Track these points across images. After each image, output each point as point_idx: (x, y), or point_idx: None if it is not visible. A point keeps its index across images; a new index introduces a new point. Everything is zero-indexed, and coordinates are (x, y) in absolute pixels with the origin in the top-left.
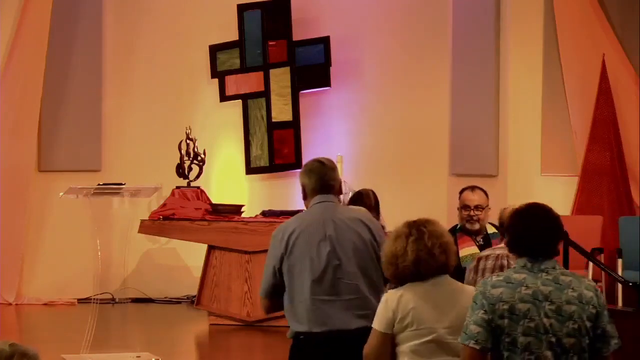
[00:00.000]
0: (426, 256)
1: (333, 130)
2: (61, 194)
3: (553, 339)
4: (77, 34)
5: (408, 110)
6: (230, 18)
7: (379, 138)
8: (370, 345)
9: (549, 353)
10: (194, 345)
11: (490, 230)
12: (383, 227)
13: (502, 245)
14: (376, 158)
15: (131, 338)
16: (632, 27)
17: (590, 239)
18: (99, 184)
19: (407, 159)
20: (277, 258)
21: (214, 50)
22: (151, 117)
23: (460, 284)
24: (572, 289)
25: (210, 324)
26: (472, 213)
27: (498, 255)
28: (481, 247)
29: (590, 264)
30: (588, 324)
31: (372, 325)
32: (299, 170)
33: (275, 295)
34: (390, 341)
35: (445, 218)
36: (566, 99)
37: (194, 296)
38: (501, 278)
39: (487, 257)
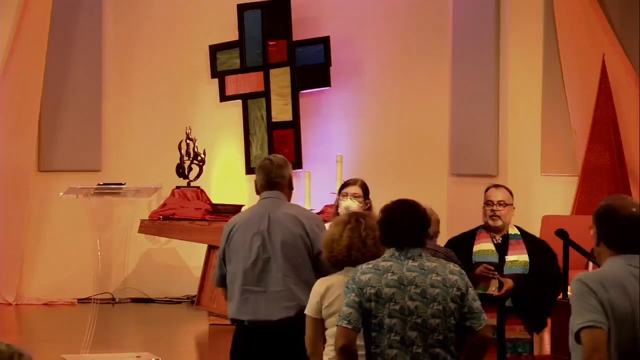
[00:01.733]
0: (359, 244)
1: (333, 130)
2: (61, 194)
3: (418, 320)
4: (77, 34)
5: (408, 110)
6: (230, 18)
7: (379, 138)
8: (306, 330)
9: (413, 333)
10: (194, 345)
11: (512, 231)
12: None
13: None
14: (376, 158)
15: (131, 338)
16: (632, 27)
17: (590, 239)
18: (99, 184)
19: (407, 159)
20: (221, 250)
21: (214, 50)
22: (151, 117)
23: None
24: (437, 273)
25: (210, 324)
26: (494, 208)
27: None
28: (498, 246)
29: (590, 263)
30: (452, 305)
31: (305, 312)
32: (299, 170)
33: (226, 284)
34: (321, 325)
35: (445, 218)
36: (566, 99)
37: (194, 296)
38: (370, 266)
39: None
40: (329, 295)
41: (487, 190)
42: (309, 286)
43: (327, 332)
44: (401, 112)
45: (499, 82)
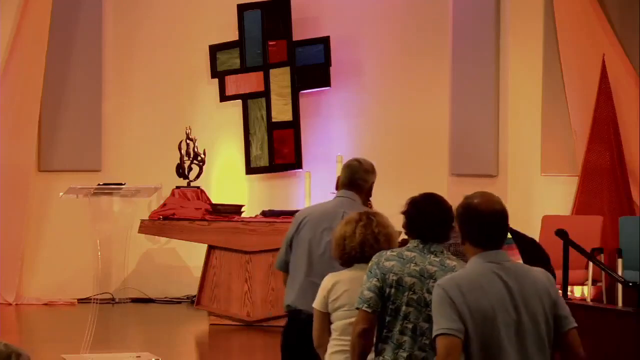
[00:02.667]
0: (372, 240)
1: (333, 130)
2: (61, 194)
3: (432, 313)
4: (77, 34)
5: (408, 110)
6: (230, 18)
7: (379, 138)
8: (313, 323)
9: (425, 325)
10: (194, 345)
11: None
12: None
13: None
14: (376, 158)
15: (131, 338)
16: (632, 27)
17: (590, 239)
18: (99, 184)
19: (407, 159)
20: (289, 237)
21: (214, 50)
22: (151, 117)
23: None
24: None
25: (210, 324)
26: None
27: None
28: None
29: (590, 264)
30: None
31: (313, 305)
32: (299, 170)
33: (288, 270)
34: (327, 319)
35: None
36: (566, 99)
37: (194, 296)
38: (395, 253)
39: None
40: (336, 290)
41: None
42: None
43: (332, 326)
44: (401, 112)
45: (499, 82)
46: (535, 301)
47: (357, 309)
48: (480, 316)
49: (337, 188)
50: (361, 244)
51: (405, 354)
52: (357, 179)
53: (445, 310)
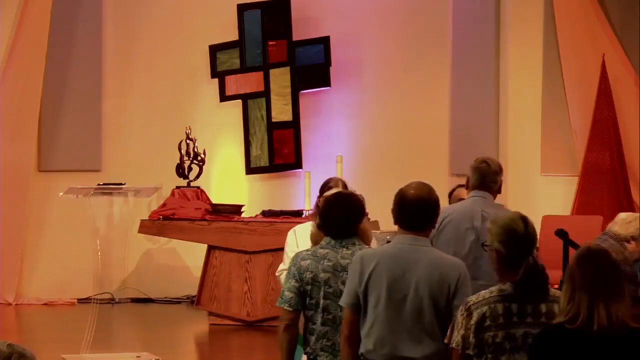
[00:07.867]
0: None
1: (333, 130)
2: (61, 194)
3: None
4: (77, 34)
5: (408, 110)
6: (230, 18)
7: (379, 138)
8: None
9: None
10: (194, 345)
11: None
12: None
13: None
14: (376, 158)
15: (131, 338)
16: (632, 27)
17: (590, 238)
18: (99, 184)
19: (407, 158)
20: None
21: (214, 50)
22: (151, 117)
23: None
24: None
25: (210, 324)
26: None
27: None
28: None
29: None
30: None
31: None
32: (299, 170)
33: None
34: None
35: None
36: (566, 99)
37: (194, 296)
38: (309, 252)
39: None
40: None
41: (454, 190)
42: None
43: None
44: (401, 112)
45: (499, 82)
46: (427, 285)
47: (279, 306)
48: (373, 285)
49: (466, 187)
50: None
51: (329, 343)
52: (488, 181)
53: (349, 284)
